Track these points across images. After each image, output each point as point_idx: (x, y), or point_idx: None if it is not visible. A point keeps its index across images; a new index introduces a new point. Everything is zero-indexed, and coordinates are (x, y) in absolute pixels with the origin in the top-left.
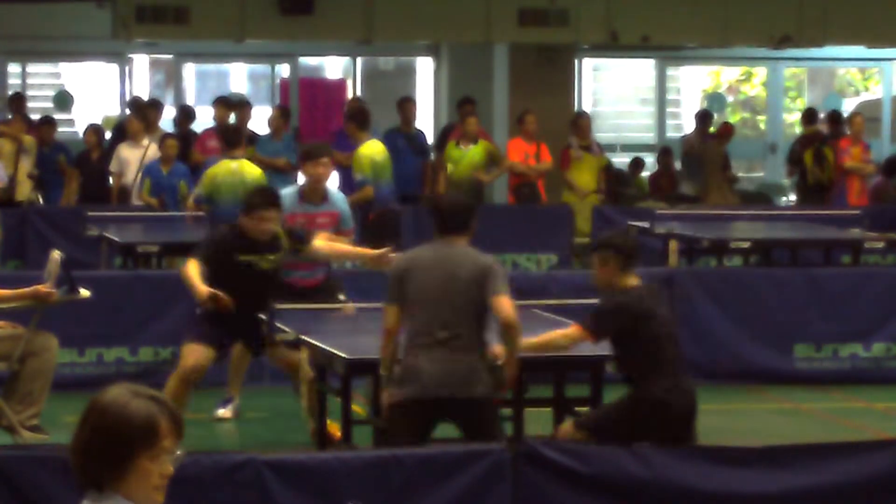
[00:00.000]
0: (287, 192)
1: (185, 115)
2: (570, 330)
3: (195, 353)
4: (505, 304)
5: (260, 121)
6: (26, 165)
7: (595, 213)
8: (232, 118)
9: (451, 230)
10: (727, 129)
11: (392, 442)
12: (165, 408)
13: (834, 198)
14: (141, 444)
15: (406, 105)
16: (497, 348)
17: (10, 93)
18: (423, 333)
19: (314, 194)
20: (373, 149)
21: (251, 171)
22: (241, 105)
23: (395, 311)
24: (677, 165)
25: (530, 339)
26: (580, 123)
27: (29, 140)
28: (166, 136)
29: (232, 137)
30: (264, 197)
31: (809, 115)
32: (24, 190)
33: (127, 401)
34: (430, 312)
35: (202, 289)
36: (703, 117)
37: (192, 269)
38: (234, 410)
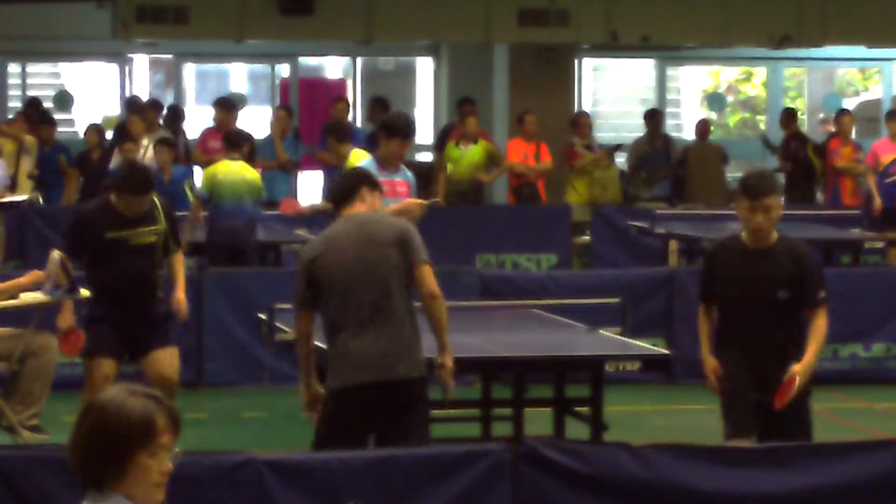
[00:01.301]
0: (364, 163)
1: (175, 115)
2: (819, 319)
3: (99, 369)
4: (429, 275)
5: (260, 121)
6: (27, 165)
7: (595, 213)
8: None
9: (350, 197)
10: (704, 127)
11: (332, 440)
12: (162, 405)
13: (827, 199)
14: (139, 442)
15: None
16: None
17: (11, 94)
18: (350, 315)
19: (393, 164)
20: (359, 159)
21: (250, 172)
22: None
23: (308, 315)
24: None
25: (808, 359)
26: (581, 123)
27: (29, 140)
28: (98, 138)
29: (234, 141)
30: (135, 181)
31: (789, 115)
32: (25, 190)
33: (123, 399)
34: (353, 291)
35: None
36: (652, 116)
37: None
38: None
